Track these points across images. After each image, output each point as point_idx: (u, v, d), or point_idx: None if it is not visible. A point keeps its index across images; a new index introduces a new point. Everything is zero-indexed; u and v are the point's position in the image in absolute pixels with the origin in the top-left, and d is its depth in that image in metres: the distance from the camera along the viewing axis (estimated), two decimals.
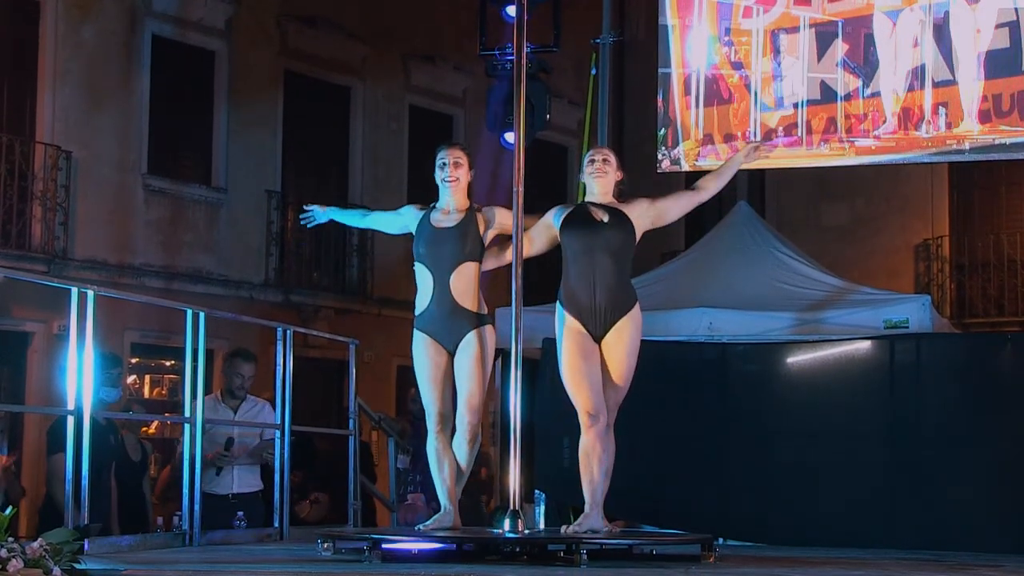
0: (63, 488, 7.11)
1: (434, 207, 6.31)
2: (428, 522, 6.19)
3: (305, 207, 6.74)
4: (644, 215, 6.24)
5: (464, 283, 6.15)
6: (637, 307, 6.15)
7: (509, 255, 6.26)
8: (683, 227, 18.13)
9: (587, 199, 6.32)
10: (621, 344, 6.09)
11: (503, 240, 6.30)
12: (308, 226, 6.77)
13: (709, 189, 6.48)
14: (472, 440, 6.17)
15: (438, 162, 6.27)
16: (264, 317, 10.84)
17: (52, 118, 13.65)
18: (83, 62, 13.97)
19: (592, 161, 6.30)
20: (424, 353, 6.22)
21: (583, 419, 6.06)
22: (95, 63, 14.06)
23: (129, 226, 14.31)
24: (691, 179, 18.24)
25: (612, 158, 6.32)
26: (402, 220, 6.41)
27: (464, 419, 6.15)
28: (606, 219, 6.12)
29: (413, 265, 6.27)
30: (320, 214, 6.67)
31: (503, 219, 6.25)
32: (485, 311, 6.23)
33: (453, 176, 6.22)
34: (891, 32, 9.79)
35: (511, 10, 6.97)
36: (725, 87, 10.13)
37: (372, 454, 11.08)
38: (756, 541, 8.04)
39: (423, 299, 6.22)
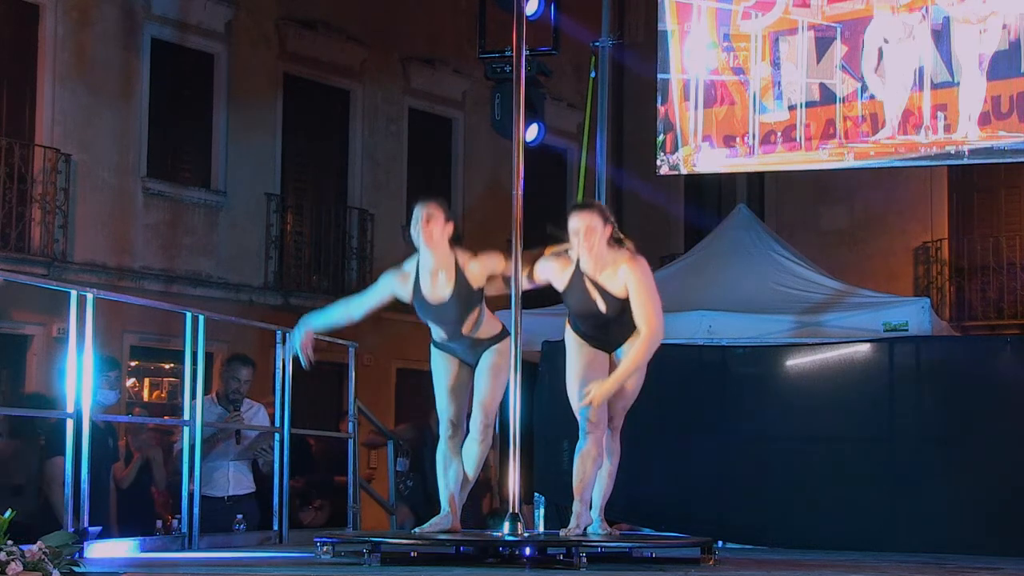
0: (60, 491, 7.12)
1: (417, 272, 6.08)
2: (426, 524, 6.19)
3: (303, 359, 6.25)
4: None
5: (475, 323, 6.10)
6: None
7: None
8: (683, 230, 18.16)
9: (580, 268, 6.04)
10: (630, 349, 6.07)
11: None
12: (312, 358, 6.27)
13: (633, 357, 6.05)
14: (483, 440, 6.16)
15: (412, 220, 6.03)
16: (263, 320, 10.83)
17: (51, 121, 13.65)
18: (82, 65, 13.97)
19: (578, 229, 5.95)
20: (443, 365, 6.21)
21: (584, 425, 6.06)
22: (94, 66, 14.06)
23: (128, 229, 14.31)
24: (689, 182, 18.26)
25: (596, 220, 5.95)
26: (383, 292, 6.20)
27: (477, 418, 6.14)
28: (604, 309, 6.01)
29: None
30: (297, 339, 6.21)
31: (487, 268, 6.09)
32: (499, 328, 6.19)
33: (425, 233, 5.97)
34: (890, 36, 9.80)
35: (527, 7, 6.95)
36: (724, 92, 10.15)
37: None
38: (755, 544, 8.05)
39: (438, 335, 6.18)
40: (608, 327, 6.06)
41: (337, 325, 6.38)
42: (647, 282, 5.96)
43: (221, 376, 8.50)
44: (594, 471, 6.09)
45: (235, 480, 7.98)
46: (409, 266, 6.11)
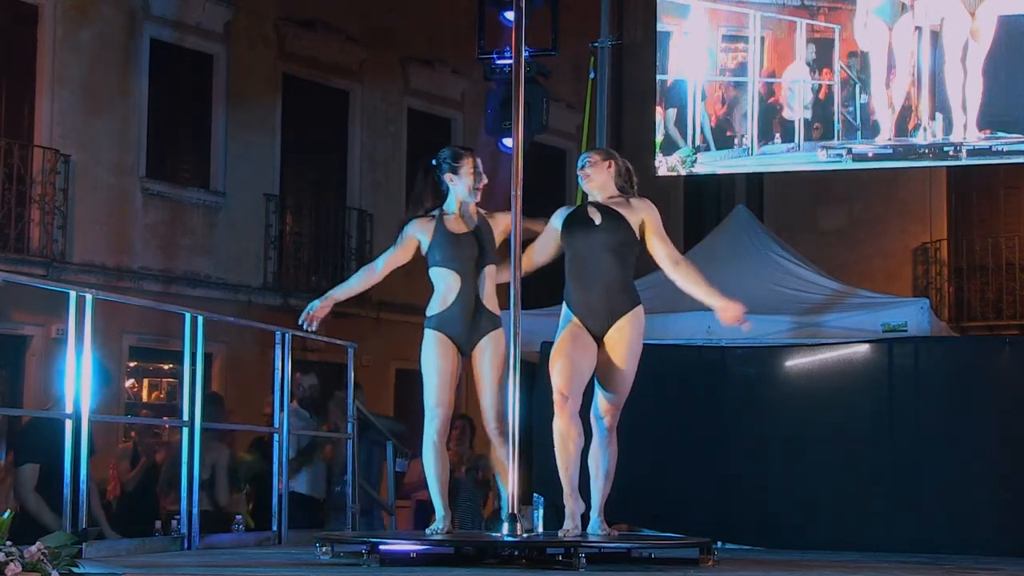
0: (32, 497, 7.16)
1: (441, 213, 6.24)
2: (431, 528, 6.16)
3: (303, 317, 6.27)
4: (640, 226, 6.16)
5: (489, 285, 6.17)
6: (639, 309, 6.13)
7: (523, 267, 6.27)
8: (681, 231, 18.16)
9: (588, 200, 6.34)
10: (622, 344, 6.07)
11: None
12: (312, 328, 6.30)
13: (686, 277, 6.22)
14: (504, 444, 6.10)
15: (463, 167, 6.23)
16: (262, 320, 10.83)
17: (51, 121, 13.65)
18: (82, 65, 13.97)
19: (580, 168, 6.33)
20: (437, 352, 6.13)
21: (556, 398, 6.04)
22: (94, 66, 14.07)
23: (127, 229, 14.31)
24: (689, 183, 18.26)
25: (597, 157, 6.30)
26: (407, 240, 6.26)
27: (493, 423, 6.12)
28: (598, 220, 6.12)
29: (428, 271, 6.22)
30: (315, 304, 6.27)
31: (508, 225, 6.22)
32: (499, 311, 6.22)
33: (483, 184, 6.25)
34: (888, 38, 9.81)
35: (510, 14, 6.97)
36: (723, 93, 10.16)
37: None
38: (755, 544, 8.05)
39: (443, 301, 6.13)
40: (595, 260, 6.06)
41: (361, 288, 6.44)
42: (659, 221, 6.20)
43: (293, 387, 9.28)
44: (576, 451, 6.06)
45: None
46: (430, 214, 6.27)
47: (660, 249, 6.17)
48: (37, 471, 7.44)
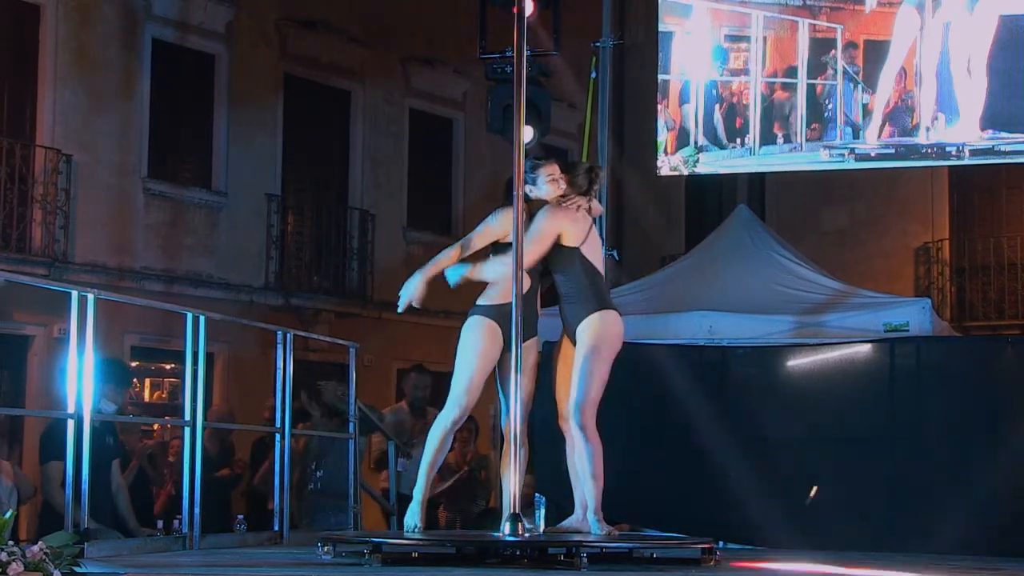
0: (60, 493, 7.15)
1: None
2: (408, 521, 6.21)
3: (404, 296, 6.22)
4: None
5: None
6: (605, 313, 6.15)
7: None
8: (683, 231, 18.17)
9: None
10: (582, 345, 6.14)
11: None
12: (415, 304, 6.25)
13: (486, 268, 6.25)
14: (525, 443, 6.18)
15: (540, 177, 6.19)
16: (264, 321, 10.84)
17: (52, 121, 13.66)
18: (83, 65, 13.98)
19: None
20: (483, 338, 6.16)
21: (559, 421, 6.31)
22: (95, 66, 14.07)
23: (129, 229, 14.31)
24: (690, 183, 18.23)
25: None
26: (502, 233, 6.21)
27: (521, 423, 6.14)
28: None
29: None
30: (411, 287, 6.22)
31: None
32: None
33: (563, 191, 6.22)
34: (890, 38, 9.82)
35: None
36: (725, 93, 10.16)
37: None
38: (756, 544, 8.05)
39: (507, 295, 6.06)
40: (551, 279, 6.25)
41: (448, 264, 6.29)
42: (538, 224, 6.11)
43: (407, 387, 9.95)
44: (583, 468, 6.23)
45: None
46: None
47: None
48: (62, 468, 7.44)
